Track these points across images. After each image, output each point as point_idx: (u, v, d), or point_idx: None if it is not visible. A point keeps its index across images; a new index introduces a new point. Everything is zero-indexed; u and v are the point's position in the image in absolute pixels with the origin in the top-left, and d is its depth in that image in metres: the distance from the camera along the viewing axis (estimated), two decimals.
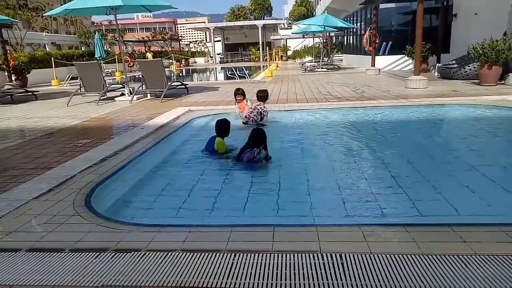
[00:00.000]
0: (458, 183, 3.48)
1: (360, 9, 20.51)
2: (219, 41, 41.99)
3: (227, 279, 1.86)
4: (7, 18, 14.81)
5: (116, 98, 9.85)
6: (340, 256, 2.00)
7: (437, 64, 12.54)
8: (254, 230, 2.44)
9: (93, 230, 2.47)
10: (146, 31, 76.69)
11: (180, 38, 47.56)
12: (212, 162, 4.35)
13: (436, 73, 11.82)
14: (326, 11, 27.41)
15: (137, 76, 16.70)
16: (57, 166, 3.96)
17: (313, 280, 1.82)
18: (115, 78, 19.15)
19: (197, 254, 2.09)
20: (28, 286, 1.88)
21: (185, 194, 3.41)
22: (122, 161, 4.09)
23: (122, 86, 10.83)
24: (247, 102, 6.63)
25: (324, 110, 7.26)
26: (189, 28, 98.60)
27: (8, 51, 14.67)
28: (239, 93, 6.74)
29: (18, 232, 2.49)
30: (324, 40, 23.90)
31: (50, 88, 15.23)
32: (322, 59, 20.01)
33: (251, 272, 1.90)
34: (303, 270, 1.90)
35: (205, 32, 53.82)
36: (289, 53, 39.91)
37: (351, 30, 23.55)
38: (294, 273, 1.88)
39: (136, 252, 2.14)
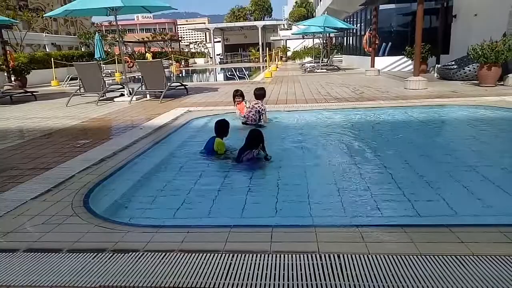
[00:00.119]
0: (456, 184, 3.47)
1: (360, 10, 20.55)
2: (219, 41, 42.06)
3: (225, 279, 1.86)
4: (7, 19, 14.80)
5: (115, 99, 9.85)
6: (339, 257, 2.00)
7: (437, 65, 12.56)
8: (253, 230, 2.44)
9: (91, 231, 2.47)
10: (146, 32, 76.70)
11: (180, 39, 47.63)
12: (211, 162, 4.35)
13: (435, 74, 11.83)
14: (326, 12, 27.45)
15: (136, 77, 16.72)
16: (56, 166, 3.96)
17: (311, 280, 1.82)
18: (114, 79, 19.15)
19: (195, 255, 2.09)
20: (26, 287, 1.88)
21: (183, 194, 3.40)
22: (120, 161, 4.09)
23: (121, 86, 10.83)
24: (246, 103, 6.63)
25: (323, 111, 7.26)
26: (189, 29, 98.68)
27: (8, 52, 14.67)
28: (238, 95, 6.74)
29: (16, 232, 2.49)
30: (324, 41, 23.93)
31: (49, 88, 15.21)
32: (322, 60, 20.05)
33: (249, 273, 1.90)
34: (301, 270, 1.90)
35: (205, 33, 53.86)
36: (289, 54, 39.93)
37: (351, 31, 23.56)
38: (293, 274, 1.88)
39: (134, 253, 2.14)
